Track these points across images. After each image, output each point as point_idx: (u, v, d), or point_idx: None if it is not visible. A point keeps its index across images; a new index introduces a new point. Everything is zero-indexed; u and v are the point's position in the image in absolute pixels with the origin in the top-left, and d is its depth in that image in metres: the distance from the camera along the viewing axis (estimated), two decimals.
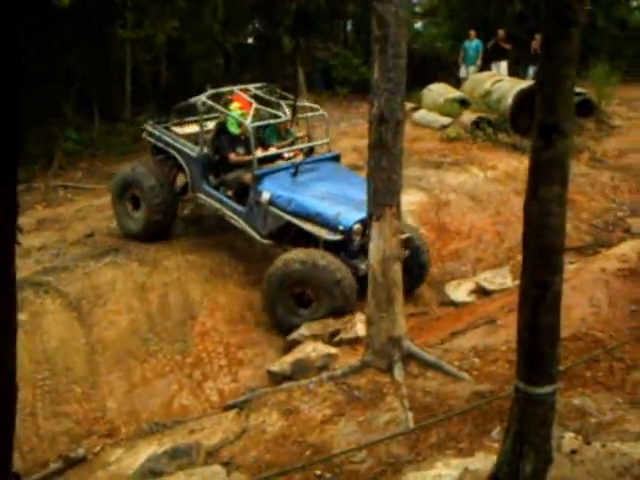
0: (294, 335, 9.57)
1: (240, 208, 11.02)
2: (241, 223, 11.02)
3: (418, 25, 31.13)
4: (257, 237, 10.89)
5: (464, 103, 18.32)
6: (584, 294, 8.53)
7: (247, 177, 11.01)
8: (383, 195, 7.52)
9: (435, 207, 13.08)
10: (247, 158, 11.09)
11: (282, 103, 12.14)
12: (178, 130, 12.35)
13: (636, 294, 8.48)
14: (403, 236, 10.11)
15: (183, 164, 11.74)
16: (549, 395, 3.30)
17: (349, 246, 10.17)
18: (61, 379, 9.26)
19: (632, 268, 8.88)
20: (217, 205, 11.38)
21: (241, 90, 11.99)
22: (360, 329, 8.88)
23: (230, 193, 11.32)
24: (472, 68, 21.82)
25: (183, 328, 10.17)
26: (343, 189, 10.90)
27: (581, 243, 12.77)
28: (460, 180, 14.22)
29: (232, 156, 11.28)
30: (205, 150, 11.52)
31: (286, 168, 11.09)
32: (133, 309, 10.32)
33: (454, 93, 18.96)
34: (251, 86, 12.43)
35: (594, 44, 23.14)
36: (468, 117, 17.19)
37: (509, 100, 16.78)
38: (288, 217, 10.50)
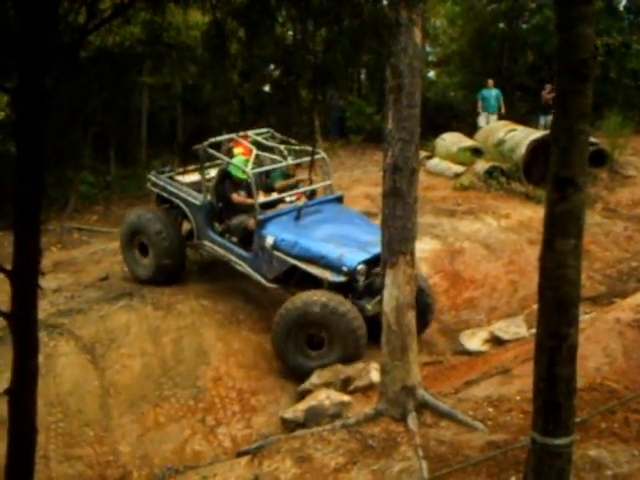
0: (305, 385, 9.54)
1: (245, 254, 11.08)
2: (247, 269, 11.07)
3: (431, 74, 31.33)
4: (263, 282, 10.93)
5: (477, 152, 18.40)
6: (599, 344, 8.50)
7: (251, 222, 11.07)
8: (397, 243, 7.56)
9: (449, 255, 13.09)
10: (250, 201, 11.13)
11: (282, 148, 12.22)
12: (182, 179, 12.41)
13: None
14: None
15: (187, 213, 11.82)
16: (566, 447, 3.29)
17: (354, 287, 10.19)
18: (74, 422, 9.25)
19: None
20: (222, 252, 11.43)
21: (241, 136, 12.08)
22: (374, 376, 8.86)
23: (235, 239, 11.38)
24: (493, 117, 21.92)
25: (196, 373, 10.15)
26: (346, 230, 10.96)
27: (595, 293, 12.70)
28: (474, 228, 14.24)
29: (235, 196, 11.33)
30: (208, 197, 11.58)
31: (289, 212, 11.16)
32: (147, 353, 10.33)
33: (467, 142, 19.05)
34: (251, 132, 12.49)
35: (607, 95, 23.24)
36: (481, 166, 17.24)
37: (522, 150, 16.83)
38: (292, 261, 10.53)
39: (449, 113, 25.35)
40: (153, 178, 12.48)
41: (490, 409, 7.69)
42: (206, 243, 11.63)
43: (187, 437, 9.38)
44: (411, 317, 7.68)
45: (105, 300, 11.38)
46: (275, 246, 10.62)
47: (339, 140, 23.49)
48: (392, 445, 7.08)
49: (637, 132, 19.71)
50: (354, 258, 10.11)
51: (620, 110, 19.97)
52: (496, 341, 11.09)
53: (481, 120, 22.10)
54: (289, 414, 8.82)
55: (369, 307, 10.04)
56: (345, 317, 9.67)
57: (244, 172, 11.19)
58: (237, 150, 11.76)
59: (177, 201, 11.97)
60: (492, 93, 22.10)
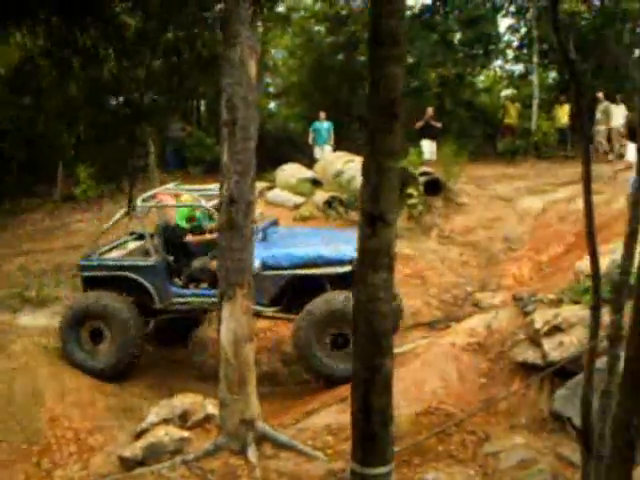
0: (143, 425, 9.31)
1: None
2: None
3: (272, 105, 31.61)
4: (260, 309, 10.40)
5: (317, 183, 18.72)
6: (435, 369, 8.75)
7: (213, 263, 10.50)
8: (234, 275, 7.56)
9: None
10: (209, 236, 10.94)
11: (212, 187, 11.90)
12: (110, 255, 11.66)
13: (485, 367, 8.76)
14: None
15: (142, 280, 10.95)
16: (383, 476, 3.35)
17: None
18: None
19: (481, 342, 9.16)
20: (199, 300, 10.90)
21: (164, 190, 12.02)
22: (211, 409, 8.79)
23: (204, 285, 10.97)
24: (327, 148, 22.38)
25: (30, 414, 9.75)
26: (316, 235, 11.54)
27: (431, 318, 13.03)
28: None
29: (190, 237, 11.13)
30: (159, 256, 11.05)
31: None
32: None
33: (306, 173, 19.38)
34: (170, 185, 12.63)
35: (442, 125, 24.12)
36: (320, 196, 17.52)
37: (359, 180, 17.22)
38: (290, 272, 10.45)
39: (289, 144, 25.65)
40: (84, 263, 11.37)
41: (329, 437, 7.79)
42: (175, 300, 10.98)
43: None
44: (249, 350, 7.69)
45: None
46: (264, 266, 10.34)
47: (178, 171, 23.27)
48: (232, 479, 7.06)
49: (471, 161, 20.44)
50: (349, 248, 10.04)
51: (455, 139, 20.75)
52: None
53: (317, 152, 22.57)
54: (127, 452, 8.58)
55: None
56: None
57: (189, 221, 11.37)
58: (184, 197, 11.60)
59: (126, 273, 11.03)
60: (324, 125, 22.67)
